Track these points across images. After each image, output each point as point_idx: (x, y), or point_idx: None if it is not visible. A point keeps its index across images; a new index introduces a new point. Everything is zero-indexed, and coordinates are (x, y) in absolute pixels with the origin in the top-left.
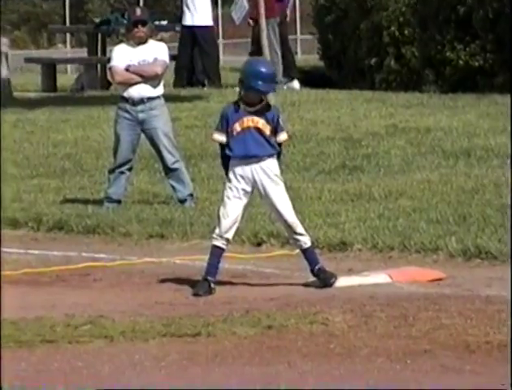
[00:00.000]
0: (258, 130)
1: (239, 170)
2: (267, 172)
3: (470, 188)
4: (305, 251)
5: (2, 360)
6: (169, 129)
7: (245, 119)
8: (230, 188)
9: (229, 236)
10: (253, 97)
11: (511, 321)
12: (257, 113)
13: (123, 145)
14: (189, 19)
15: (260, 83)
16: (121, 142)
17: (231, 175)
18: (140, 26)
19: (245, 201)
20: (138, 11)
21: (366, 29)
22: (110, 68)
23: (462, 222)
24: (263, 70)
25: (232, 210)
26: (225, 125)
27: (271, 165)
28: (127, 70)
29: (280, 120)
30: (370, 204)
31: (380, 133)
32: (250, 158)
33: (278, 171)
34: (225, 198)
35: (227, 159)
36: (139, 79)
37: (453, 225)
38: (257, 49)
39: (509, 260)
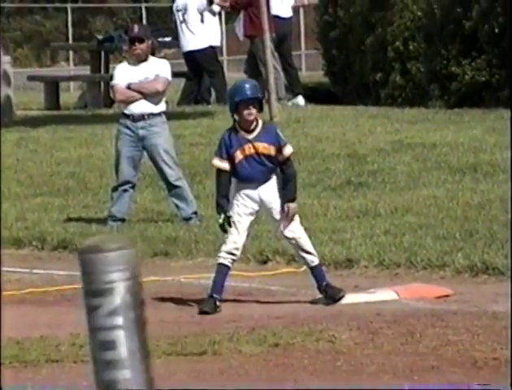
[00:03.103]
0: (261, 154)
1: (245, 190)
2: (273, 190)
3: (476, 204)
4: (313, 269)
5: (7, 380)
6: (170, 146)
7: (246, 146)
8: (237, 205)
9: (236, 253)
10: (247, 115)
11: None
12: (256, 138)
13: (124, 161)
14: (186, 45)
15: (244, 92)
16: (122, 158)
17: (237, 194)
18: (137, 43)
19: (251, 218)
20: (135, 28)
21: (371, 44)
22: (111, 87)
23: (469, 238)
24: (243, 83)
25: (239, 227)
26: (225, 152)
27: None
28: (128, 88)
29: (281, 135)
30: (376, 220)
31: (386, 149)
32: (255, 181)
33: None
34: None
35: (224, 185)
36: (140, 96)
37: (460, 241)
38: (252, 67)
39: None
